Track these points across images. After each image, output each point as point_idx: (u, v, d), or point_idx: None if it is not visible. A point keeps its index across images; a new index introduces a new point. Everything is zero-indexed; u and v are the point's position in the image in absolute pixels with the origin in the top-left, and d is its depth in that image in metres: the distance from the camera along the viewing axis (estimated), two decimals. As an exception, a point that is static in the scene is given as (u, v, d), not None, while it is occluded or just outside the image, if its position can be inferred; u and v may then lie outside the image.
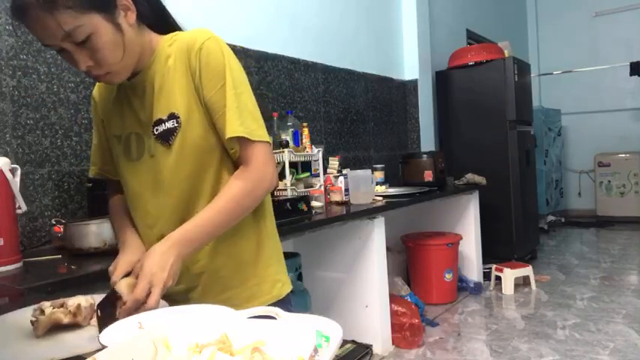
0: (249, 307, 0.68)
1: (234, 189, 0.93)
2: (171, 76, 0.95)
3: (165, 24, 1.01)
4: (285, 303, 1.04)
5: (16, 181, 1.31)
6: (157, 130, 0.95)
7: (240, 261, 1.01)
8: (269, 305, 1.01)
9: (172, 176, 0.96)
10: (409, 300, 2.82)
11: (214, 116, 0.94)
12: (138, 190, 1.01)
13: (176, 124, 0.94)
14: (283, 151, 2.32)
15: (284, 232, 1.83)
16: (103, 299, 0.83)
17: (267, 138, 0.96)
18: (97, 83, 1.09)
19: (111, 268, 0.94)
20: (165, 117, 0.95)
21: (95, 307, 0.81)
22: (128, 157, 1.01)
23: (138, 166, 1.00)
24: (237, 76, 0.95)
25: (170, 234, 0.89)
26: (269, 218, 1.08)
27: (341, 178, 2.68)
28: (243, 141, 0.94)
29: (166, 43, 0.97)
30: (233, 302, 0.86)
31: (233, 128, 0.92)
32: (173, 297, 0.97)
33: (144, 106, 0.97)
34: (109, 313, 0.80)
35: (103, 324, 0.79)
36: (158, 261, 0.84)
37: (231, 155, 0.97)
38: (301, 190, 2.42)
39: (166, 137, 0.94)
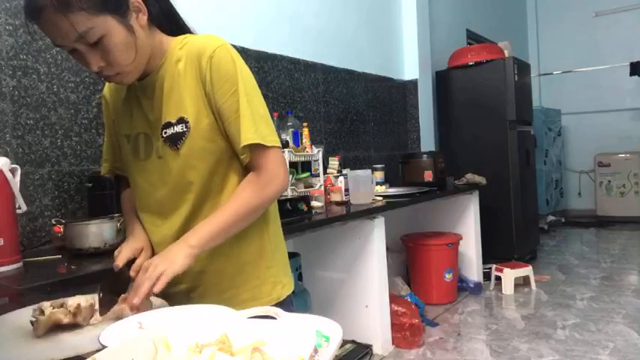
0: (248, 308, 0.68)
1: (247, 193, 0.95)
2: (182, 80, 0.95)
3: (175, 25, 1.01)
4: (285, 305, 1.04)
5: (16, 181, 1.31)
6: (165, 132, 0.96)
7: (241, 262, 1.02)
8: (269, 306, 1.02)
9: (180, 179, 0.97)
10: (409, 300, 2.82)
11: (226, 122, 0.95)
12: (146, 189, 1.03)
13: (185, 129, 0.94)
14: (283, 151, 2.32)
15: (284, 232, 1.83)
16: (105, 281, 0.88)
17: (279, 143, 0.98)
18: (107, 82, 1.10)
19: (116, 253, 0.98)
20: (174, 121, 0.95)
21: (98, 288, 0.87)
22: (136, 157, 1.02)
23: (146, 166, 1.01)
24: (248, 83, 0.96)
25: (185, 236, 0.91)
26: (272, 220, 1.08)
27: (341, 178, 2.68)
28: (256, 147, 0.95)
29: (177, 45, 0.98)
30: (233, 303, 0.87)
31: (247, 136, 0.93)
32: (174, 297, 0.98)
33: (153, 107, 0.98)
34: (108, 297, 0.85)
35: (102, 305, 0.85)
36: (169, 256, 0.88)
37: (242, 160, 0.97)
38: (301, 190, 2.42)
39: (174, 141, 0.95)
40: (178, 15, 1.03)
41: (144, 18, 0.92)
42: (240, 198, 0.94)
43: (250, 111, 0.94)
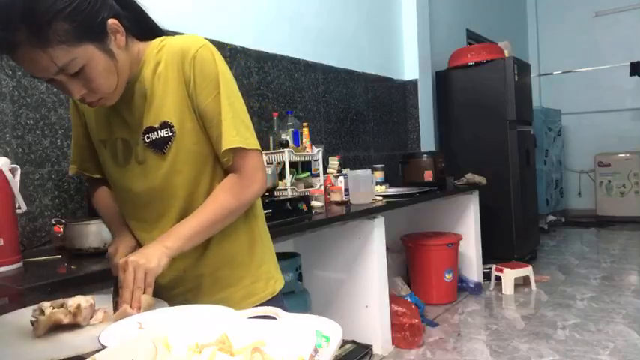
0: (245, 306, 0.68)
1: (224, 196, 0.95)
2: (162, 84, 0.94)
3: (148, 31, 0.99)
4: (278, 299, 1.06)
5: (16, 181, 1.31)
6: (148, 138, 0.94)
7: (234, 261, 1.02)
8: (263, 302, 1.02)
9: (166, 184, 0.96)
10: (409, 300, 2.82)
11: (208, 125, 0.94)
12: (127, 195, 1.01)
13: (170, 134, 0.93)
14: (283, 151, 2.32)
15: (284, 232, 1.83)
16: (114, 288, 0.88)
17: (258, 146, 0.98)
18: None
19: (111, 250, 0.97)
20: (157, 125, 0.94)
21: (112, 295, 0.88)
22: (116, 163, 1.01)
23: (126, 173, 1.00)
24: (229, 85, 0.95)
25: (162, 237, 0.90)
26: (260, 218, 1.09)
27: (341, 178, 2.68)
28: (238, 151, 0.94)
29: (154, 49, 0.96)
30: (229, 302, 0.87)
31: (230, 140, 0.93)
32: (170, 300, 0.98)
33: (132, 112, 0.96)
34: (116, 301, 0.85)
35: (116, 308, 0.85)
36: (146, 253, 0.86)
37: (224, 163, 0.97)
38: (301, 190, 2.42)
39: (160, 146, 0.94)
40: (150, 18, 1.00)
41: (122, 39, 0.89)
42: (217, 201, 0.94)
43: (232, 114, 0.93)
